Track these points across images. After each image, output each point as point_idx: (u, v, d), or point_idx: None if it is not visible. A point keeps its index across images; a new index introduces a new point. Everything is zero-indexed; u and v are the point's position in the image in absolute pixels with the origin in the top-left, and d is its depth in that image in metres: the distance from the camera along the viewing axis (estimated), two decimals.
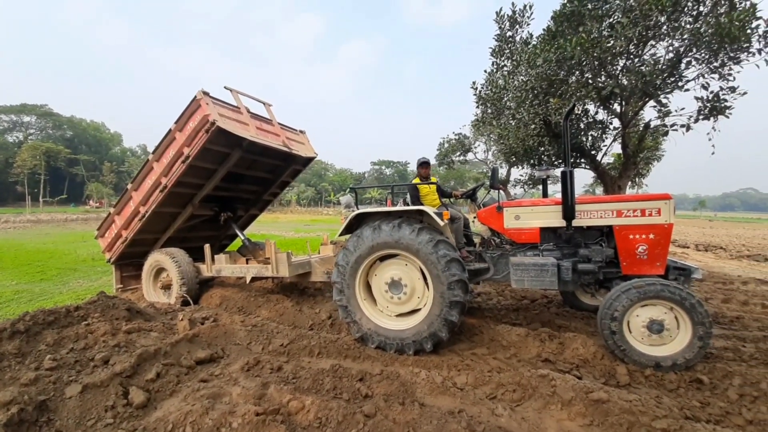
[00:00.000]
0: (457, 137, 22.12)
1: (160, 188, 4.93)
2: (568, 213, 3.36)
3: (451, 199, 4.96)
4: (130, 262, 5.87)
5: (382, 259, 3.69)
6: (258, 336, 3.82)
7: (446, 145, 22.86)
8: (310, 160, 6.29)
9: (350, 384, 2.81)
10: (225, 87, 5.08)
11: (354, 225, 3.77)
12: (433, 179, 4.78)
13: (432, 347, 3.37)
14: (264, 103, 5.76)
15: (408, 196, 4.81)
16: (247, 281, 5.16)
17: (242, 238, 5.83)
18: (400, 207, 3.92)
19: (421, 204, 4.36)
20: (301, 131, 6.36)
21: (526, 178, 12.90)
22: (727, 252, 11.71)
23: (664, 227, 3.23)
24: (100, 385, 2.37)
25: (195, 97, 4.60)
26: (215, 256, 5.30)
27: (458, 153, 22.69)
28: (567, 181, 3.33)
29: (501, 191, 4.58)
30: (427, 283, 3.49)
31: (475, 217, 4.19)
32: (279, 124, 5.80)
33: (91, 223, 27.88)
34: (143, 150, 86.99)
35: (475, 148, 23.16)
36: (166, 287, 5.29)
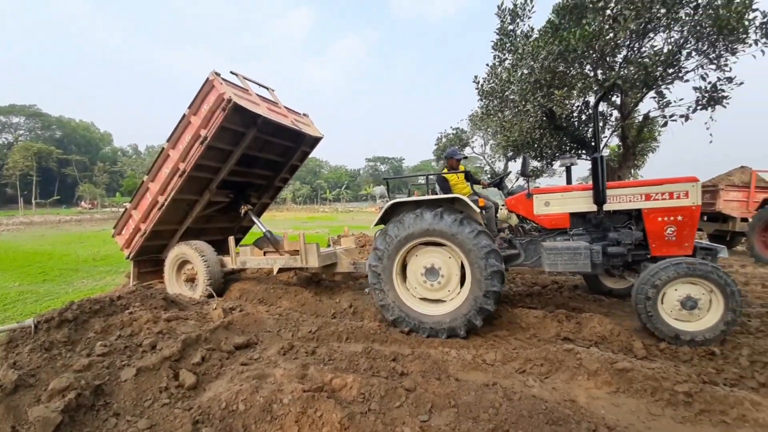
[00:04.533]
0: (454, 132, 22.26)
1: (179, 173, 5.00)
2: (600, 198, 3.48)
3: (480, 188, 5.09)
4: (147, 258, 5.95)
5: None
6: (286, 324, 3.94)
7: (444, 140, 22.99)
8: (317, 140, 6.45)
9: (385, 363, 2.95)
10: (231, 72, 5.20)
11: (389, 214, 3.87)
12: (462, 168, 4.91)
13: (465, 333, 3.48)
14: (267, 88, 5.91)
15: (436, 187, 4.88)
16: (274, 272, 5.26)
17: (263, 230, 5.89)
18: (430, 196, 3.99)
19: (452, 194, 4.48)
20: (304, 114, 6.54)
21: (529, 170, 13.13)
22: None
23: (691, 209, 3.35)
24: (152, 368, 2.48)
25: (207, 78, 4.71)
26: (240, 249, 5.39)
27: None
28: (598, 166, 3.44)
29: (503, 183, 4.74)
30: (463, 272, 3.59)
31: (503, 205, 4.31)
32: (285, 107, 5.97)
33: (85, 224, 27.52)
34: (134, 149, 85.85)
35: (473, 142, 23.37)
36: (191, 280, 5.37)
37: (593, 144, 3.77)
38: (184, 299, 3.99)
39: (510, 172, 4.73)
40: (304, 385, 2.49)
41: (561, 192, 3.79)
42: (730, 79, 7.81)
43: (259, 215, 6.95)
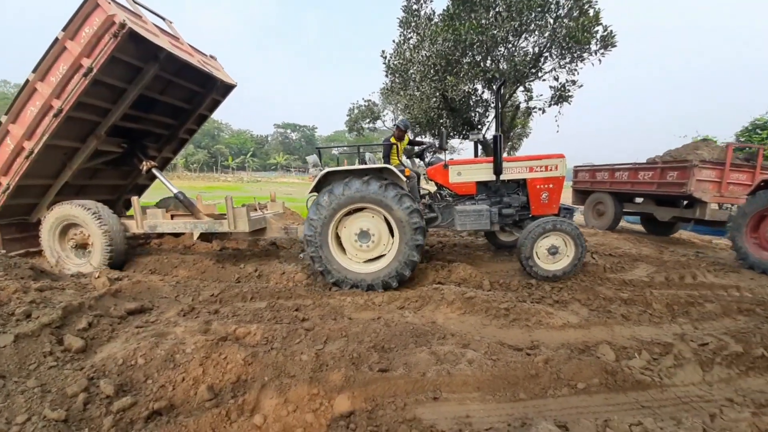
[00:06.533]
0: (366, 104, 22.52)
1: (54, 113, 4.12)
2: (498, 169, 4.28)
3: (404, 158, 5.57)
4: (11, 221, 4.82)
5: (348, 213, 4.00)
6: (184, 290, 3.91)
7: (356, 111, 23.09)
8: (230, 88, 5.88)
9: (288, 313, 3.32)
10: None
11: (322, 183, 4.01)
12: (407, 138, 5.33)
13: (397, 284, 3.95)
14: (164, 19, 5.06)
15: (365, 156, 5.10)
16: (194, 238, 4.90)
17: (174, 191, 5.12)
18: (361, 165, 4.21)
19: (391, 162, 4.85)
20: (212, 56, 5.81)
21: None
22: None
23: (559, 179, 4.41)
24: (32, 335, 2.34)
25: None
26: (148, 210, 4.75)
27: (368, 120, 23.24)
28: (498, 144, 4.21)
29: (424, 154, 5.37)
30: (392, 232, 3.99)
31: (424, 174, 4.87)
32: (188, 44, 5.26)
33: None
34: None
35: (384, 116, 24.06)
36: (81, 246, 4.59)
37: (495, 125, 4.56)
38: (54, 271, 3.57)
39: (431, 145, 5.28)
40: (207, 337, 2.68)
41: (470, 164, 4.53)
42: (573, 82, 9.94)
43: (161, 170, 6.18)
